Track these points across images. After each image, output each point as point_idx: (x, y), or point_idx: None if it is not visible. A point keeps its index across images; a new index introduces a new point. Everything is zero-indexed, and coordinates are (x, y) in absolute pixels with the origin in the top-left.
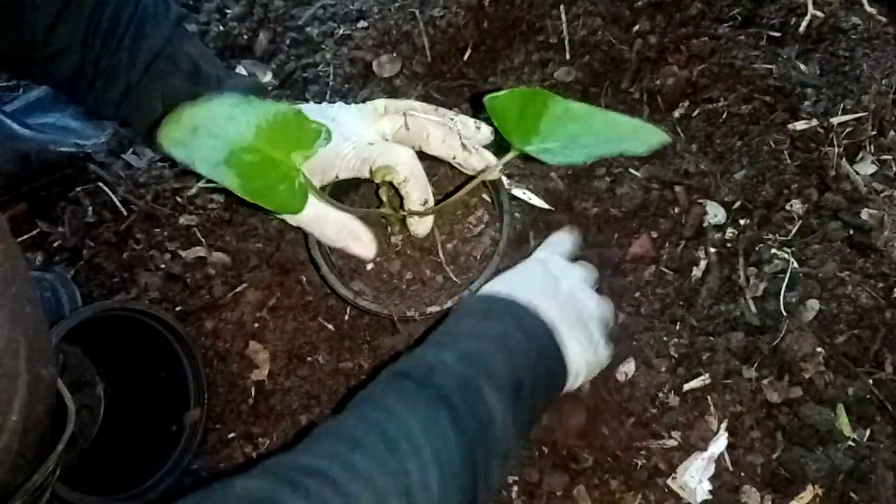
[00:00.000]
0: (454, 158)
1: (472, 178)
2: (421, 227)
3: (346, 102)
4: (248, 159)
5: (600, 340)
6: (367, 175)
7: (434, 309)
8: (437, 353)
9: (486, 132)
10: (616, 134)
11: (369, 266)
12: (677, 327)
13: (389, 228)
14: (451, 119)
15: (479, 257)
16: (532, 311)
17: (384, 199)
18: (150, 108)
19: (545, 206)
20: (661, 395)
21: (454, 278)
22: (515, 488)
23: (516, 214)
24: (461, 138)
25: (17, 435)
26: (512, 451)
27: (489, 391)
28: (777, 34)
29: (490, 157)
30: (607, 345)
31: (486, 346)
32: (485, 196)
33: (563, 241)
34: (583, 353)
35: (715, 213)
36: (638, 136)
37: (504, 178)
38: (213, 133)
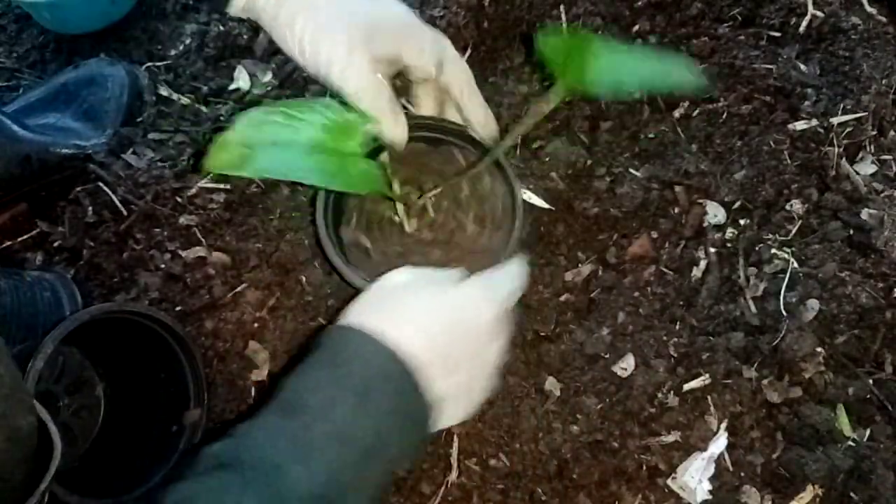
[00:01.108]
0: (463, 95)
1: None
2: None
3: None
4: (319, 156)
5: (485, 382)
6: (430, 71)
7: None
8: (301, 460)
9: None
10: (660, 74)
11: (376, 256)
12: (677, 327)
13: (400, 217)
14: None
15: (489, 244)
16: (420, 386)
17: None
18: None
19: (545, 205)
20: (660, 395)
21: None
22: (518, 492)
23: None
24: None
25: None
26: None
27: None
28: (777, 34)
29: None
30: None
31: (355, 459)
32: (496, 186)
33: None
34: (460, 406)
35: (715, 213)
36: (677, 75)
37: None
38: (274, 142)
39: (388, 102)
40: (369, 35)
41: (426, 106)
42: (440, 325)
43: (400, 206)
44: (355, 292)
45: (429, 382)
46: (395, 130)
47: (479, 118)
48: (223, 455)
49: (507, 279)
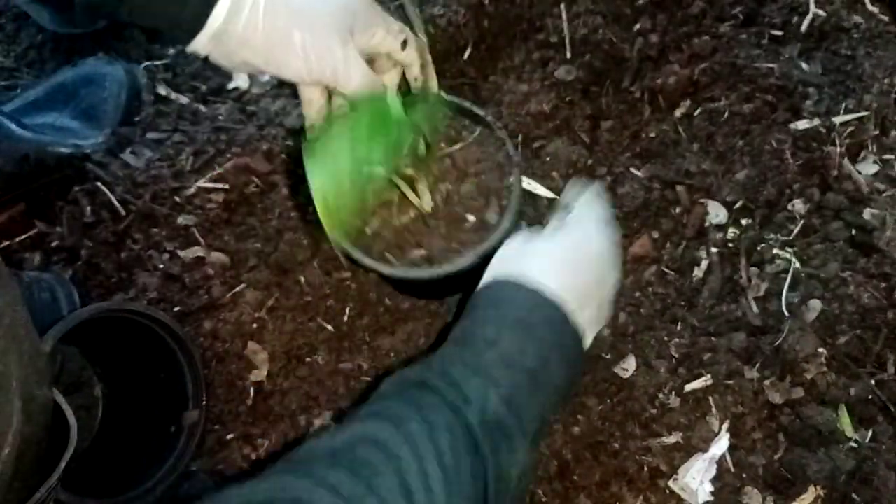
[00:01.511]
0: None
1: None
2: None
3: None
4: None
5: (608, 309)
6: (396, 48)
7: (448, 268)
8: (475, 379)
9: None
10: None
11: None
12: (678, 327)
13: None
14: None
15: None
16: (569, 321)
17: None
18: None
19: (550, 194)
20: (661, 395)
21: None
22: None
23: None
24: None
25: (12, 462)
26: (525, 479)
27: (520, 443)
28: (779, 33)
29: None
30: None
31: (522, 384)
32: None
33: (598, 198)
34: (593, 333)
35: (716, 212)
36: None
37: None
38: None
39: (377, 84)
40: (351, 29)
41: (388, 78)
42: (570, 265)
43: (410, 187)
44: (358, 292)
45: (573, 315)
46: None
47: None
48: (414, 376)
49: (599, 204)
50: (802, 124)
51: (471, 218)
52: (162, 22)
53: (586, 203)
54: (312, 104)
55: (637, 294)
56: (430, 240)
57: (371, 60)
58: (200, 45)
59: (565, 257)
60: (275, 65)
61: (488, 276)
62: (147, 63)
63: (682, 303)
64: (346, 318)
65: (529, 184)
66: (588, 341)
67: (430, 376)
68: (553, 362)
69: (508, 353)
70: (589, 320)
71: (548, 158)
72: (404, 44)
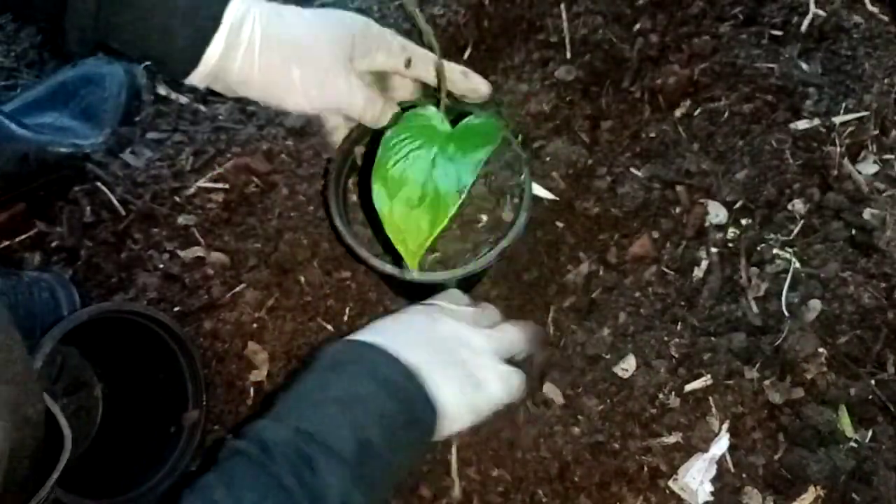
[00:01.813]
0: (451, 83)
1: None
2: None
3: None
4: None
5: (490, 376)
6: (400, 68)
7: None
8: (274, 430)
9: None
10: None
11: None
12: (678, 328)
13: None
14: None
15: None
16: (391, 355)
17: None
18: (127, 24)
19: (550, 196)
20: (661, 395)
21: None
22: (519, 495)
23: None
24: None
25: (0, 482)
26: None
27: (325, 466)
28: (779, 33)
29: (481, 82)
30: (511, 375)
31: (326, 412)
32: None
33: (458, 298)
34: (461, 394)
35: (716, 212)
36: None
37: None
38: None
39: (389, 111)
40: (350, 57)
41: (403, 92)
42: (434, 342)
43: None
44: (358, 292)
45: (432, 387)
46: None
47: (464, 87)
48: (232, 446)
49: (510, 338)
50: (802, 124)
51: (484, 218)
52: (153, 57)
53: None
54: (338, 130)
55: (637, 294)
56: (444, 242)
57: (384, 77)
58: (196, 80)
59: (435, 337)
60: (275, 99)
61: (350, 337)
62: (147, 63)
63: (682, 303)
64: (346, 318)
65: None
66: (452, 406)
67: (242, 442)
68: (365, 386)
69: (312, 392)
70: (452, 379)
71: (548, 159)
72: (409, 62)
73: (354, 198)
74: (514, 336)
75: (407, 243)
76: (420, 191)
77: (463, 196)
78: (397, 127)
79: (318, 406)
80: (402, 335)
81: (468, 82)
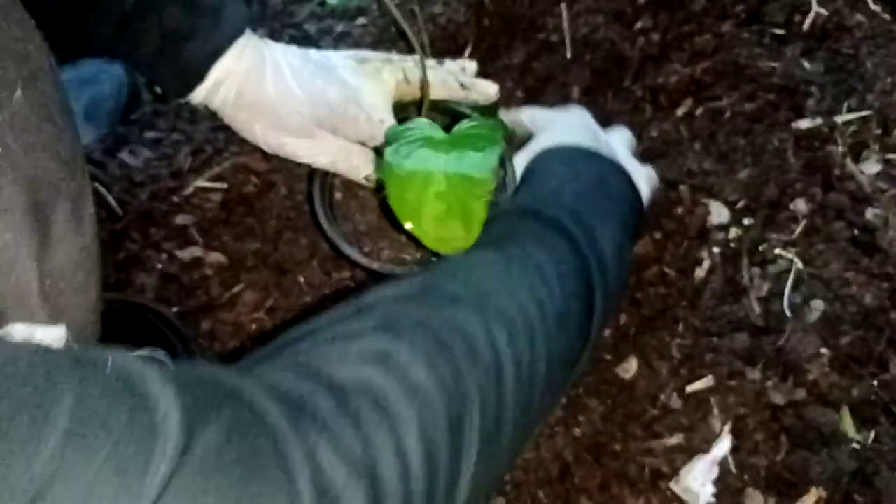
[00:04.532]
0: (453, 98)
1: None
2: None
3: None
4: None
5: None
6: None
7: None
8: (556, 196)
9: (472, 68)
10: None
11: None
12: (680, 328)
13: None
14: (440, 63)
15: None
16: (618, 167)
17: None
18: (148, 42)
19: None
20: (663, 396)
21: None
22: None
23: None
24: (456, 78)
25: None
26: (612, 287)
27: (601, 230)
28: (781, 32)
29: (489, 86)
30: (649, 170)
31: (588, 190)
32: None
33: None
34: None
35: (718, 212)
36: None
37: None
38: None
39: (360, 160)
40: (326, 123)
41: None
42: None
43: None
44: (358, 292)
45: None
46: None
47: (471, 98)
48: (523, 206)
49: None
50: (805, 123)
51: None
52: (157, 78)
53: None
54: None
55: (638, 294)
56: None
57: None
58: (197, 100)
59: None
60: (248, 137)
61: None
62: None
63: (684, 303)
64: None
65: None
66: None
67: (535, 208)
68: (625, 196)
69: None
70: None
71: None
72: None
73: (339, 196)
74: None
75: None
76: (445, 206)
77: (488, 198)
78: (394, 145)
79: (580, 184)
80: (592, 140)
81: (474, 93)
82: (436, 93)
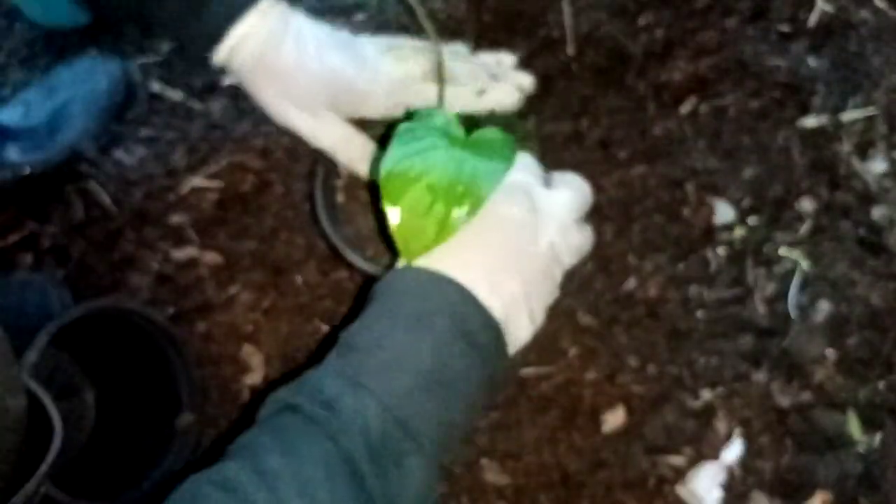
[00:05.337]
0: (482, 92)
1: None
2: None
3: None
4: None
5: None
6: (398, 114)
7: None
8: (356, 398)
9: (508, 61)
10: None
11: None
12: (683, 329)
13: None
14: (474, 54)
15: None
16: (481, 307)
17: None
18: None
19: None
20: (667, 399)
21: None
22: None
23: None
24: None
25: None
26: (429, 497)
27: (412, 458)
28: (786, 28)
29: (524, 78)
30: (585, 242)
31: (414, 389)
32: None
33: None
34: (531, 326)
35: (723, 211)
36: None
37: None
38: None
39: (360, 151)
40: (331, 102)
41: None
42: (475, 242)
43: None
44: (356, 292)
45: (486, 301)
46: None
47: (485, 106)
48: (285, 400)
49: (579, 192)
50: (810, 121)
51: None
52: (181, 37)
53: (565, 182)
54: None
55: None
56: None
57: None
58: (219, 60)
59: (488, 228)
60: (261, 104)
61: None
62: (141, 59)
63: (686, 303)
64: (343, 320)
65: None
66: (515, 334)
67: (302, 398)
68: (456, 356)
69: (397, 354)
70: (533, 314)
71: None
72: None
73: (341, 198)
74: (586, 193)
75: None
76: (429, 200)
77: (477, 210)
78: (409, 125)
79: (406, 373)
80: (490, 261)
81: (492, 101)
82: (462, 82)
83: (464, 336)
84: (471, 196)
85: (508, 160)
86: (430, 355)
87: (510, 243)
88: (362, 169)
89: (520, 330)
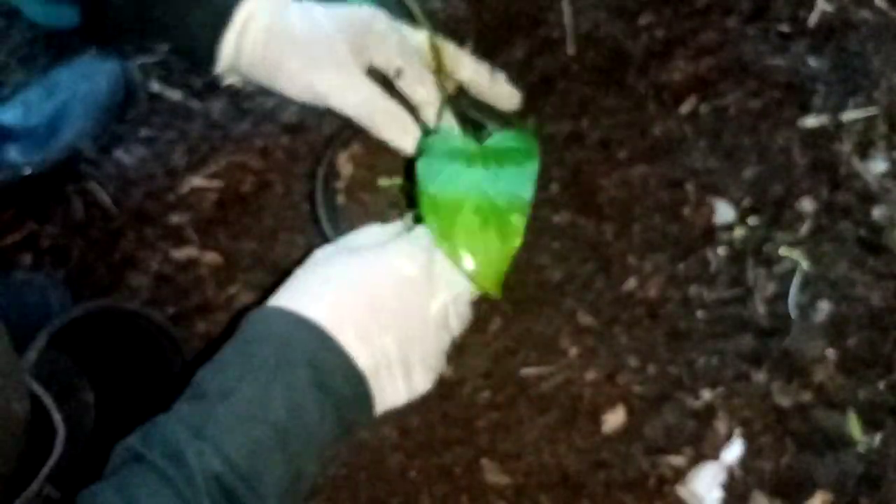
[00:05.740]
0: (480, 86)
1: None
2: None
3: None
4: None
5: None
6: (413, 63)
7: None
8: (196, 446)
9: (500, 77)
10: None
11: None
12: (683, 329)
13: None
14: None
15: None
16: (342, 353)
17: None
18: None
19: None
20: (667, 399)
21: None
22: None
23: None
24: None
25: None
26: None
27: None
28: (786, 28)
29: (513, 95)
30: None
31: (263, 441)
32: None
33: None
34: (407, 391)
35: (723, 211)
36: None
37: None
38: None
39: (388, 115)
40: (357, 50)
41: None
42: (354, 288)
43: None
44: None
45: (351, 349)
46: (402, 141)
47: (490, 94)
48: (133, 448)
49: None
50: (810, 121)
51: None
52: (179, 52)
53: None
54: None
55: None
56: None
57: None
58: (219, 71)
59: (353, 280)
60: (279, 88)
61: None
62: (141, 60)
63: (688, 304)
64: None
65: None
66: (390, 389)
67: (148, 449)
68: (311, 406)
69: (248, 404)
70: (384, 360)
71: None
72: (398, 72)
73: (342, 200)
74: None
75: (483, 271)
76: (480, 219)
77: (528, 212)
78: (425, 157)
79: (255, 425)
80: (368, 314)
81: (496, 90)
82: (465, 72)
83: (319, 386)
84: (517, 201)
85: (535, 156)
86: (283, 406)
87: (394, 300)
88: (390, 135)
89: (392, 391)
